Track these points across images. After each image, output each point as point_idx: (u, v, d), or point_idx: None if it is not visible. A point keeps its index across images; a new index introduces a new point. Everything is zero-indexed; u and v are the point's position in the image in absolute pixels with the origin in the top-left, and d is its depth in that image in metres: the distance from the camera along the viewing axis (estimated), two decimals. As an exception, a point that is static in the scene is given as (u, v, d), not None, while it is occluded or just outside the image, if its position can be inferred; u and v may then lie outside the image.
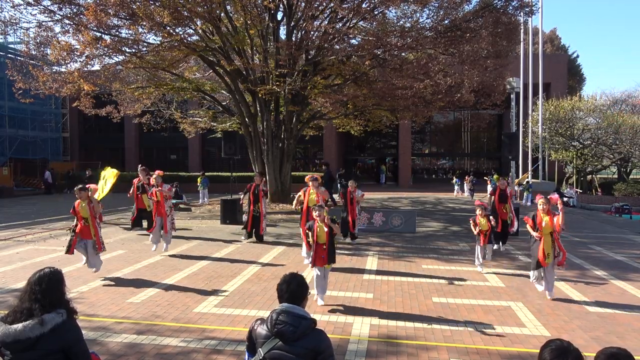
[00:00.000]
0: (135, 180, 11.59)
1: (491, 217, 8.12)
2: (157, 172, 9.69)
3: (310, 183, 8.88)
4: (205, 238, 11.24)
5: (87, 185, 7.53)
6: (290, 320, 2.40)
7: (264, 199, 10.56)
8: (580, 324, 5.62)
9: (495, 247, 9.61)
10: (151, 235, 9.45)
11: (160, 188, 9.32)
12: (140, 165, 11.67)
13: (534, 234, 6.61)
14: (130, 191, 11.74)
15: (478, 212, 7.95)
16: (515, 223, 10.67)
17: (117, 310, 5.91)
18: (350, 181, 10.84)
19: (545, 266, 6.50)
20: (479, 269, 8.00)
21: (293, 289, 2.54)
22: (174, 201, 17.27)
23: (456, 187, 24.22)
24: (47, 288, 2.54)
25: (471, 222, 8.08)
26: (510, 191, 10.59)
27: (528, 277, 7.65)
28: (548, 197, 6.81)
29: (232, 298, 6.45)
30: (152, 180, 9.57)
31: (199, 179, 20.11)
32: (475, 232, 8.03)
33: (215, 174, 27.42)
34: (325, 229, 6.06)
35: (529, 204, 19.87)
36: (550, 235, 6.53)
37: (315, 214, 6.16)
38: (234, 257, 9.06)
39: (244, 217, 11.00)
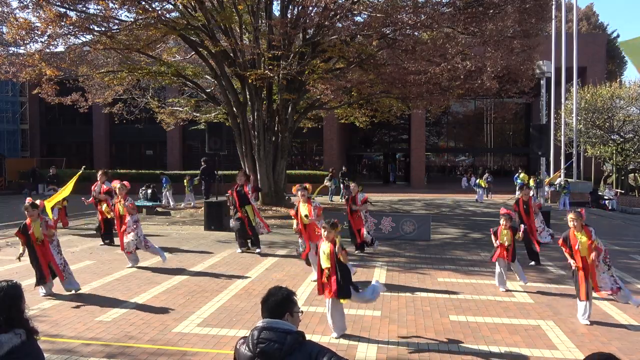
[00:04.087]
0: (93, 186, 11.63)
1: (520, 231, 7.88)
2: (124, 182, 9.64)
3: (299, 194, 8.53)
4: (186, 247, 11.23)
5: (38, 202, 7.45)
6: (274, 337, 2.43)
7: (252, 199, 10.47)
8: (620, 345, 5.63)
9: (532, 263, 9.61)
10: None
11: (123, 201, 9.28)
12: (103, 170, 11.73)
13: (572, 262, 6.40)
14: (90, 199, 11.72)
15: (502, 222, 7.73)
16: (543, 237, 10.13)
17: (85, 330, 5.92)
18: (353, 184, 10.67)
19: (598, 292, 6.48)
20: (501, 288, 7.88)
21: (272, 304, 2.58)
22: (150, 204, 17.42)
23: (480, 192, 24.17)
24: (3, 304, 2.54)
25: (492, 232, 7.91)
26: (537, 204, 10.08)
27: (560, 293, 7.66)
28: (579, 209, 6.59)
29: (217, 316, 6.46)
30: (116, 191, 9.54)
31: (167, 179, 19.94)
32: (495, 245, 7.87)
33: (197, 172, 27.42)
34: (329, 250, 5.59)
35: (561, 207, 19.88)
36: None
37: (323, 233, 5.68)
38: (219, 269, 9.06)
39: (231, 223, 10.97)
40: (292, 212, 8.86)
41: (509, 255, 7.70)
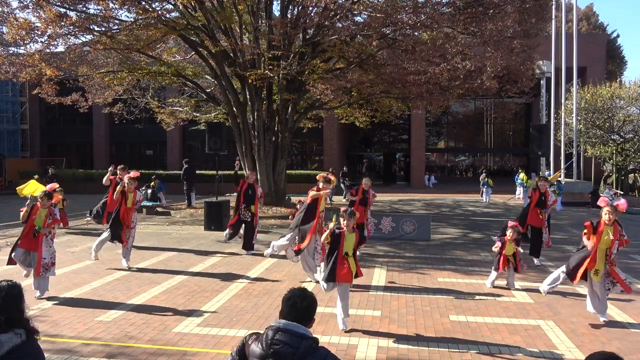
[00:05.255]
0: (114, 178, 11.46)
1: (519, 248, 7.80)
2: (133, 174, 9.60)
3: (322, 185, 8.07)
4: (186, 247, 11.23)
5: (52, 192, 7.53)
6: (288, 340, 2.42)
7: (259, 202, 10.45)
8: (620, 345, 5.63)
9: (537, 262, 9.60)
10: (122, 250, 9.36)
11: (133, 196, 9.29)
12: (122, 166, 11.60)
13: (588, 244, 6.23)
14: (110, 190, 11.51)
15: (509, 233, 7.66)
16: (548, 237, 10.09)
17: (85, 330, 5.92)
18: (365, 178, 10.72)
19: (575, 282, 6.43)
20: (488, 285, 7.93)
21: (306, 306, 2.57)
22: (150, 204, 17.42)
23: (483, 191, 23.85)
24: (4, 304, 2.54)
25: (496, 242, 7.84)
26: (553, 200, 9.97)
27: (560, 293, 7.65)
28: (615, 203, 6.34)
29: (217, 316, 6.46)
30: (126, 183, 9.52)
31: (153, 183, 19.79)
32: (495, 249, 7.83)
33: (197, 172, 27.42)
34: (355, 237, 6.09)
35: (560, 208, 19.86)
36: (605, 252, 6.21)
37: (343, 222, 6.03)
38: (219, 269, 9.06)
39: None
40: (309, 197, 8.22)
41: (515, 266, 7.71)
